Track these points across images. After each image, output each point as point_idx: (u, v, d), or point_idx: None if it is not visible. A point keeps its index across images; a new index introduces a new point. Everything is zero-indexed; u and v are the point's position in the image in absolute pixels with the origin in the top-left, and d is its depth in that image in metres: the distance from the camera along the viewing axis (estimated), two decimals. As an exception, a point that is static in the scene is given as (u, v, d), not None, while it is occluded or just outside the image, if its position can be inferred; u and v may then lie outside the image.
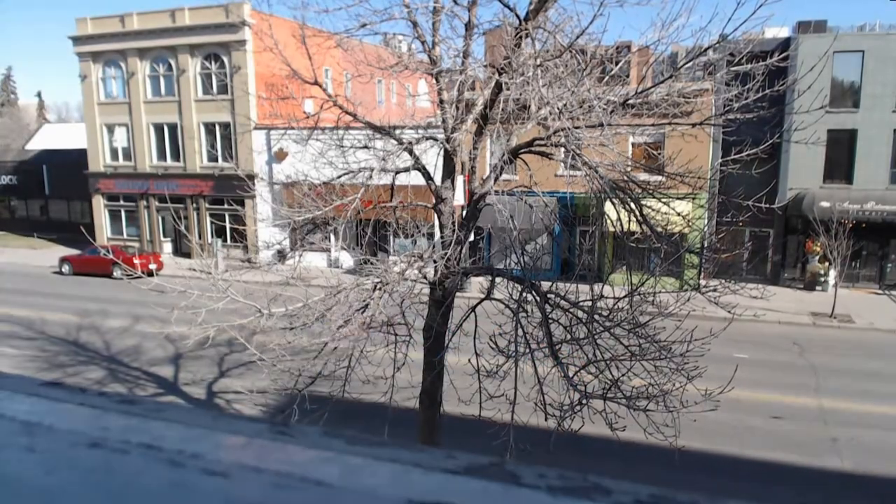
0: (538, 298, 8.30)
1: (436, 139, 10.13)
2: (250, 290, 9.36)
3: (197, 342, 9.70)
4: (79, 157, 37.29)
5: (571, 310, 8.41)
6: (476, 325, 8.89)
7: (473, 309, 9.06)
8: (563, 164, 14.75)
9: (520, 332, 8.25)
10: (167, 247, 35.23)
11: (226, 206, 32.51)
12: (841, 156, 26.51)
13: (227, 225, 32.58)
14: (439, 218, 9.97)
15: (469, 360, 8.84)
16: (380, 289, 9.20)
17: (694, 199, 9.36)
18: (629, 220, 8.85)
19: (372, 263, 9.70)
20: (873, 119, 25.98)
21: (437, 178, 10.18)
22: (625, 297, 8.33)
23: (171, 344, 17.89)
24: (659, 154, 10.83)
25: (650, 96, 8.62)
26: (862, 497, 11.66)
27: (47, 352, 18.99)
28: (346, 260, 27.55)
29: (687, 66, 8.58)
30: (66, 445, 0.58)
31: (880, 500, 11.64)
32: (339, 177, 10.28)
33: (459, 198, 11.14)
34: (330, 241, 13.89)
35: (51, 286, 28.56)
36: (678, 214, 9.24)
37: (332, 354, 9.16)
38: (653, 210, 8.91)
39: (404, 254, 10.11)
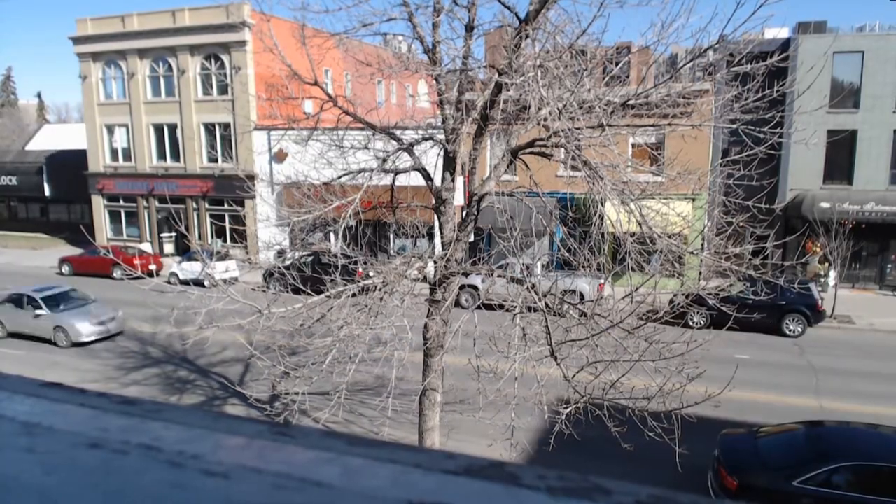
0: (538, 299, 8.31)
1: (436, 140, 10.14)
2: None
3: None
4: (79, 157, 37.28)
5: (571, 311, 8.41)
6: (476, 327, 8.89)
7: (473, 310, 9.06)
8: (563, 165, 14.77)
9: (519, 332, 8.25)
10: (168, 247, 35.23)
11: (226, 206, 32.52)
12: (841, 156, 26.51)
13: (227, 225, 32.57)
14: (439, 219, 9.98)
15: (469, 361, 8.84)
16: (380, 290, 9.21)
17: (694, 199, 9.37)
18: (629, 221, 8.85)
19: (371, 264, 9.71)
20: (873, 120, 25.98)
21: (437, 179, 10.17)
22: (624, 297, 8.34)
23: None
24: (659, 155, 10.83)
25: (650, 97, 8.63)
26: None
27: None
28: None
29: (687, 66, 8.58)
30: (65, 446, 0.58)
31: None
32: (339, 177, 10.28)
33: (459, 198, 11.15)
34: (330, 241, 13.90)
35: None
36: (678, 215, 9.25)
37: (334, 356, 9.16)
38: (653, 211, 8.92)
39: (404, 255, 10.12)
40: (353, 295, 9.11)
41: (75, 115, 76.18)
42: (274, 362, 9.27)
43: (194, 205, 33.61)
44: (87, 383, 15.47)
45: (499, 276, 9.71)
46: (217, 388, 16.01)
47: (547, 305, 8.41)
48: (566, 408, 8.12)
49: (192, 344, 19.01)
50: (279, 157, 29.78)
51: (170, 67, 33.16)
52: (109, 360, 18.61)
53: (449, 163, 9.86)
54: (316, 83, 9.44)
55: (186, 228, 31.80)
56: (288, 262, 12.07)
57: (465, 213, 9.97)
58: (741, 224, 9.31)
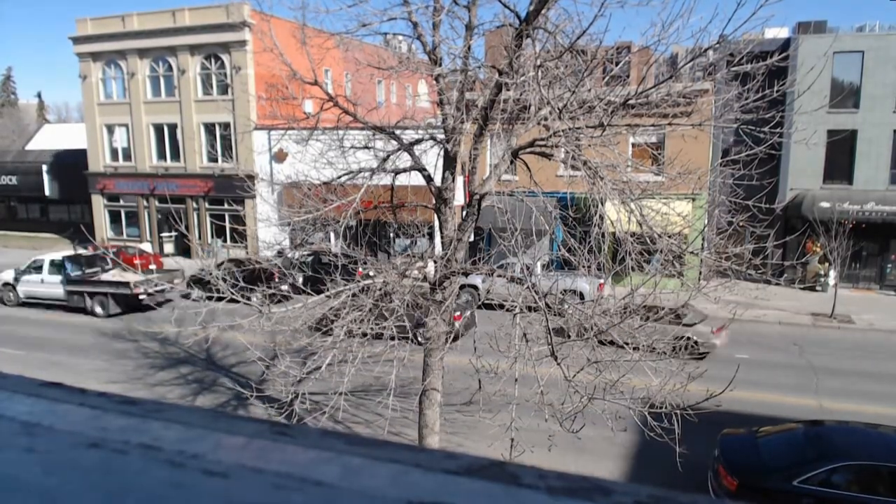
0: (538, 299, 8.31)
1: (436, 139, 10.14)
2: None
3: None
4: (79, 157, 37.27)
5: (571, 311, 8.41)
6: (476, 326, 8.89)
7: (474, 310, 9.06)
8: (563, 165, 14.76)
9: (520, 332, 8.25)
10: (168, 247, 35.23)
11: (226, 206, 32.52)
12: (841, 156, 26.50)
13: (227, 225, 32.57)
14: (439, 218, 9.97)
15: (470, 361, 8.84)
16: (380, 290, 9.21)
17: (694, 199, 9.37)
18: (629, 221, 8.86)
19: (371, 264, 9.71)
20: (873, 119, 25.97)
21: (438, 179, 10.17)
22: (624, 298, 8.34)
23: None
24: (659, 155, 10.83)
25: (650, 97, 8.62)
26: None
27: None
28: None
29: (687, 66, 8.58)
30: (65, 446, 0.58)
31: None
32: (340, 177, 10.28)
33: (460, 198, 11.14)
34: (330, 241, 13.85)
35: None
36: (678, 215, 9.25)
37: (333, 355, 9.17)
38: (653, 210, 8.92)
39: (404, 254, 10.12)
40: (354, 295, 9.11)
41: (75, 115, 76.13)
42: (271, 362, 9.28)
43: (194, 205, 33.60)
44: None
45: (499, 275, 9.71)
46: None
47: (547, 305, 8.41)
48: (566, 408, 8.13)
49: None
50: (279, 157, 29.77)
51: (170, 67, 33.15)
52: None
53: (449, 163, 9.86)
54: (316, 83, 9.44)
55: (186, 228, 31.80)
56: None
57: (465, 212, 9.97)
58: (741, 224, 9.31)
